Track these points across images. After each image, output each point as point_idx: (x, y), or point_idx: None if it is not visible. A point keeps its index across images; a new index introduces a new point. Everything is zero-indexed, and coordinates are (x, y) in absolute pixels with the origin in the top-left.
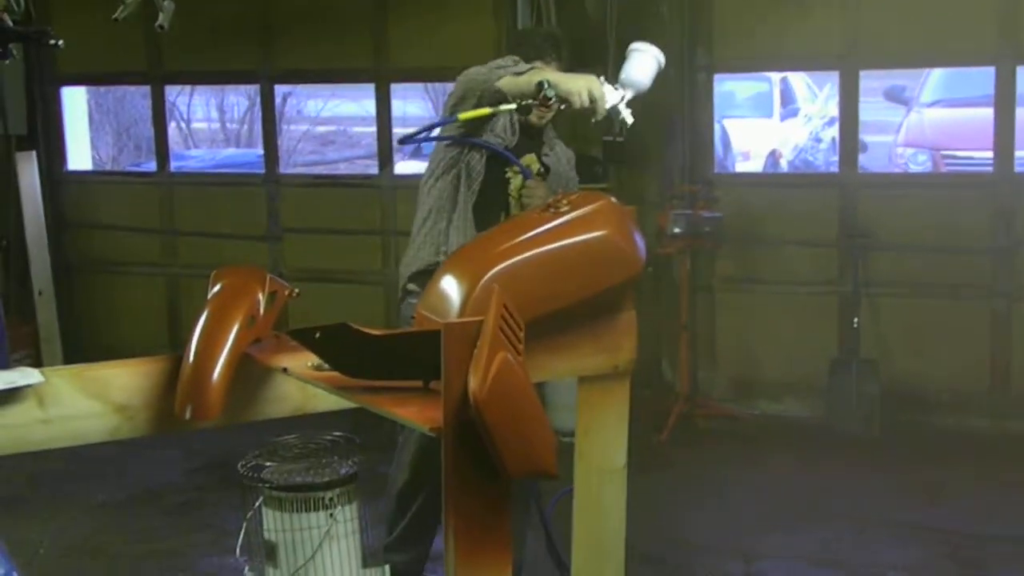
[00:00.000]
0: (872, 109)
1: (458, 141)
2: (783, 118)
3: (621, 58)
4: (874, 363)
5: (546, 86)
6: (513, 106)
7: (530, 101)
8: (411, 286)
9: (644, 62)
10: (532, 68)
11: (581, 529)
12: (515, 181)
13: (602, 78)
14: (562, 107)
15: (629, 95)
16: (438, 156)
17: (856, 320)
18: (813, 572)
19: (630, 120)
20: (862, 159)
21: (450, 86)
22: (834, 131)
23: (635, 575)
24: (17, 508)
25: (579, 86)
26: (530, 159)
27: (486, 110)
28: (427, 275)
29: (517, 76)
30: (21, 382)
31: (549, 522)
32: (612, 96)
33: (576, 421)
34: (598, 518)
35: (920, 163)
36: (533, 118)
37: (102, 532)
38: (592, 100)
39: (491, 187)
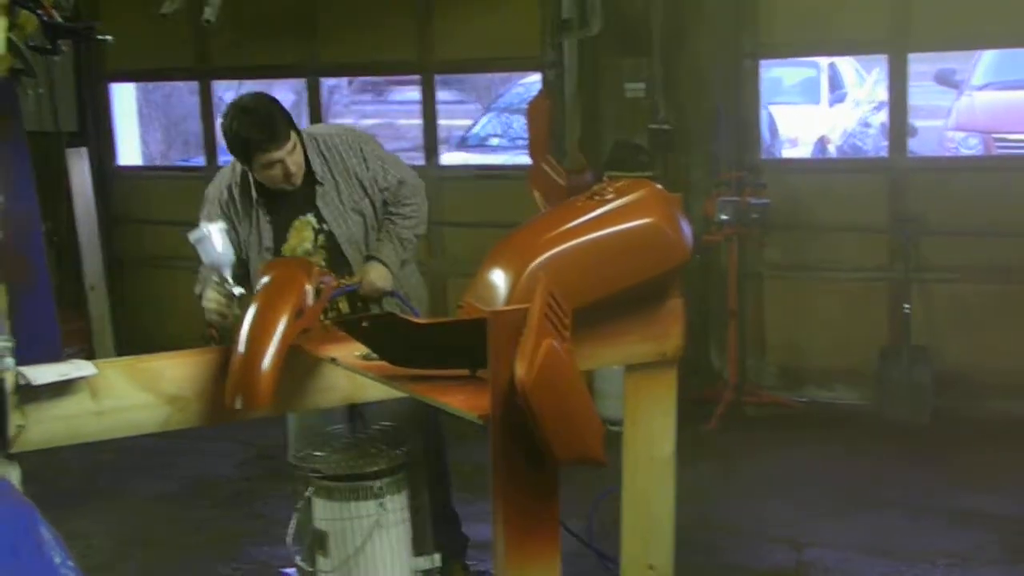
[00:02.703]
0: (922, 93)
1: None
2: (831, 104)
3: (665, 46)
4: (925, 349)
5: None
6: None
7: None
8: None
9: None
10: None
11: (629, 517)
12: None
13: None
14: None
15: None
16: None
17: (906, 306)
18: (864, 560)
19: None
20: (912, 144)
21: (493, 77)
22: (883, 116)
23: (684, 563)
24: (71, 500)
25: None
26: (304, 223)
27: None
28: None
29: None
30: (74, 374)
31: (592, 516)
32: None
33: (623, 410)
34: (646, 506)
35: (971, 147)
36: (287, 187)
37: (155, 523)
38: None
39: None
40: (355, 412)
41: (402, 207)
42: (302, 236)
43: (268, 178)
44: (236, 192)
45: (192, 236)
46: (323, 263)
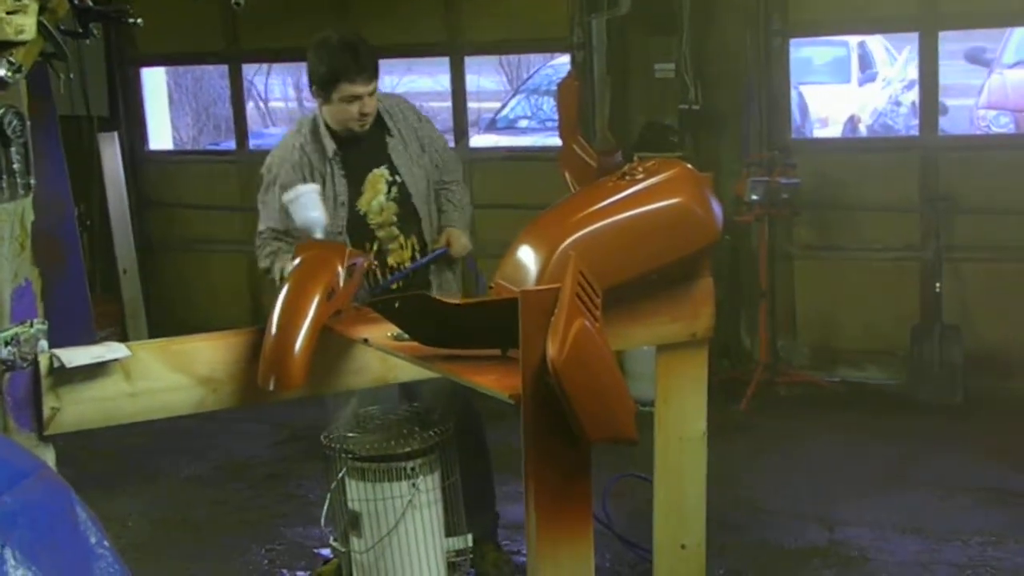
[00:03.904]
0: (953, 72)
1: None
2: (861, 83)
3: (694, 26)
4: (956, 328)
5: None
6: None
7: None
8: None
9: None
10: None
11: (661, 496)
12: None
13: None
14: None
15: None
16: None
17: (938, 285)
18: (896, 539)
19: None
20: (943, 122)
21: (526, 58)
22: (914, 95)
23: (716, 542)
24: (107, 482)
25: None
26: (378, 176)
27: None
28: None
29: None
30: (108, 356)
31: (606, 499)
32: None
33: (655, 390)
34: (678, 485)
35: (1002, 125)
36: (355, 127)
37: (189, 505)
38: None
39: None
40: (405, 394)
41: (450, 174)
42: (376, 189)
43: (342, 114)
44: (309, 150)
45: (286, 197)
46: (394, 217)
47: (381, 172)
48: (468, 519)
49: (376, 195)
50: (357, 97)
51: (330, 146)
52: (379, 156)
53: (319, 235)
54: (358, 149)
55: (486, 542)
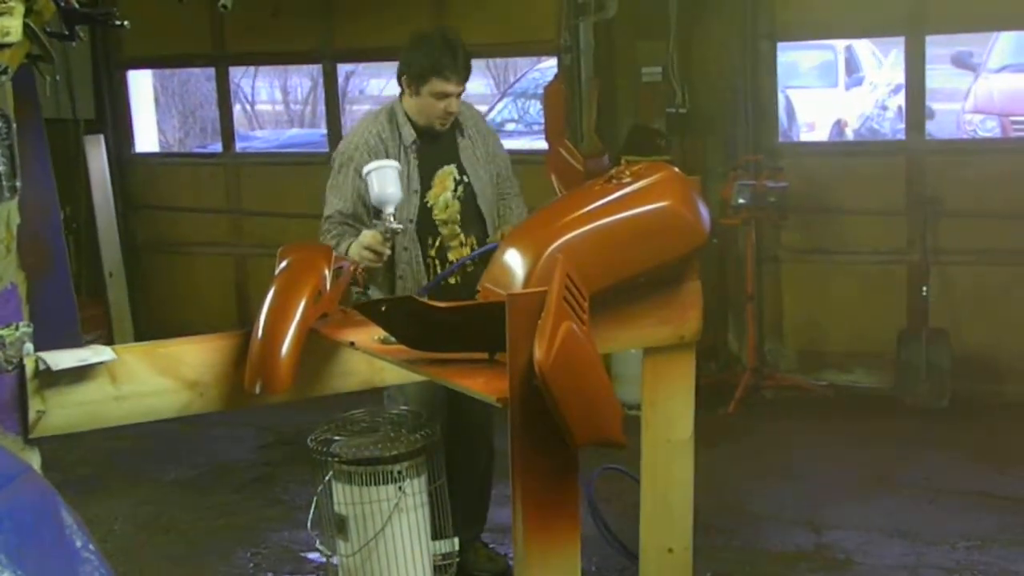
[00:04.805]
0: (939, 76)
1: None
2: (848, 87)
3: (681, 29)
4: (944, 332)
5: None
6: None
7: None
8: None
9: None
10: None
11: (648, 500)
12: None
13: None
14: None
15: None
16: None
17: (925, 289)
18: (884, 542)
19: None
20: (929, 127)
21: (513, 62)
22: (900, 99)
23: (703, 546)
24: (93, 486)
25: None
26: (447, 173)
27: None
28: None
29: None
30: (93, 359)
31: (591, 495)
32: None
33: (642, 393)
34: (665, 489)
35: (988, 129)
36: (436, 124)
37: (175, 508)
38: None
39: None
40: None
41: (509, 186)
42: (444, 185)
43: (429, 108)
44: (386, 136)
45: (369, 167)
46: (458, 216)
47: (450, 170)
48: (465, 520)
49: (444, 191)
50: (446, 95)
51: (409, 135)
52: (451, 154)
53: (390, 211)
54: (432, 144)
55: (477, 541)
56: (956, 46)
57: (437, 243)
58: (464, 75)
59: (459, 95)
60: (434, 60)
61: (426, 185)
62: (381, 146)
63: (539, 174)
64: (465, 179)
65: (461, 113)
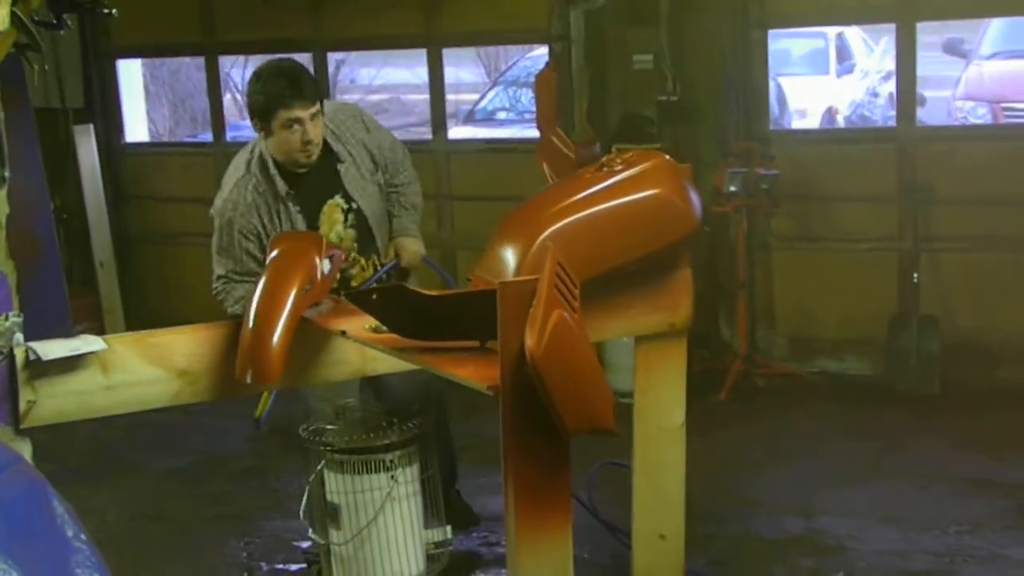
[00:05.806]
0: (930, 63)
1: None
2: (839, 74)
3: (673, 19)
4: (934, 319)
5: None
6: None
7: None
8: None
9: None
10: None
11: (641, 486)
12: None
13: None
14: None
15: None
16: None
17: (916, 276)
18: (875, 528)
19: None
20: (920, 113)
21: (504, 50)
22: (891, 86)
23: (695, 533)
24: (84, 476)
25: None
26: (334, 205)
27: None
28: None
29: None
30: (84, 349)
31: (591, 488)
32: None
33: (634, 380)
34: (657, 476)
35: (979, 116)
36: (300, 158)
37: (167, 498)
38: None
39: None
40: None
41: (400, 175)
42: (333, 219)
43: (285, 144)
44: (262, 189)
45: None
46: (355, 244)
47: (336, 202)
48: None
49: (334, 225)
50: (297, 122)
51: (281, 186)
52: (332, 186)
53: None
54: (310, 182)
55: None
56: (947, 33)
57: (339, 274)
58: (311, 95)
59: (313, 117)
60: (271, 92)
61: (313, 226)
62: (260, 200)
63: (530, 162)
64: (353, 205)
65: (332, 133)
